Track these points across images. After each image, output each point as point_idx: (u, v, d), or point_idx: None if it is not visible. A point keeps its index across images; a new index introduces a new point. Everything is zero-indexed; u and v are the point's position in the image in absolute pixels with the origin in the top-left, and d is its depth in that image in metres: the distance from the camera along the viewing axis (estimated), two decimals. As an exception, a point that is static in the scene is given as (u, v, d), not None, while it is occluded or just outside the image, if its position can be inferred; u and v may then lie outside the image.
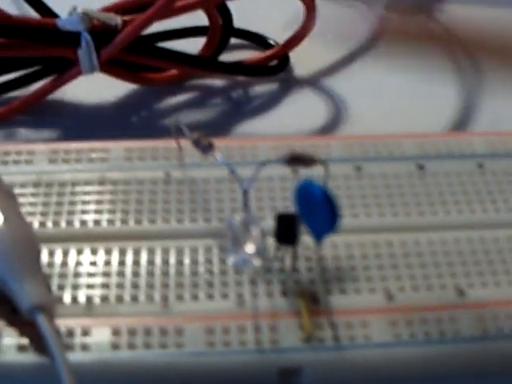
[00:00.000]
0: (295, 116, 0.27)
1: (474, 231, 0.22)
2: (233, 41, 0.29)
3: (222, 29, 0.27)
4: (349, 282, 0.20)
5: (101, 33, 0.25)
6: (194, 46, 0.28)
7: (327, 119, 0.27)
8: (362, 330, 0.19)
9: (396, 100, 0.28)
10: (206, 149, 0.21)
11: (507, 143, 0.24)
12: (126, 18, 0.25)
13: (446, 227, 0.22)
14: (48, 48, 0.25)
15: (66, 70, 0.26)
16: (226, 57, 0.28)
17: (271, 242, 0.20)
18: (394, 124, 0.27)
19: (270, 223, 0.20)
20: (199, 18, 0.27)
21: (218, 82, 0.28)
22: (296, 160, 0.20)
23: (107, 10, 0.26)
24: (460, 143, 0.24)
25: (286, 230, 0.19)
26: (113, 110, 0.27)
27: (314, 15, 0.27)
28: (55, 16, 0.26)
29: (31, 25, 0.25)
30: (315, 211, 0.18)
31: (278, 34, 0.29)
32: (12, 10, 0.28)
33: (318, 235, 0.19)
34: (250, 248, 0.18)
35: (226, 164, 0.21)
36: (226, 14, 0.27)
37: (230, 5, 0.27)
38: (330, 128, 0.27)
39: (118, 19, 0.25)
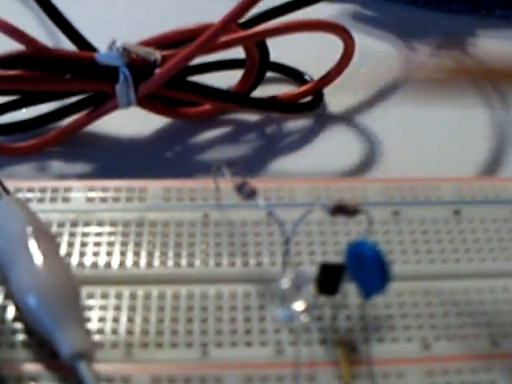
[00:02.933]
0: (329, 154, 0.27)
1: (509, 280, 0.22)
2: (268, 74, 0.29)
3: (259, 65, 0.27)
4: (386, 331, 0.20)
5: (139, 68, 0.25)
6: (228, 79, 0.28)
7: (361, 157, 0.27)
8: (398, 380, 0.19)
9: (429, 139, 0.28)
10: (249, 195, 0.21)
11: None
12: (165, 52, 0.25)
13: (480, 275, 0.22)
14: (85, 82, 0.25)
15: (102, 103, 0.26)
16: (260, 90, 0.28)
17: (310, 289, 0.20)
18: (427, 164, 0.27)
19: (307, 269, 0.21)
20: (234, 51, 0.27)
21: (252, 117, 0.28)
22: (340, 210, 0.20)
23: (146, 43, 0.26)
24: (495, 188, 0.24)
25: (329, 281, 0.20)
26: (147, 144, 0.27)
27: (351, 53, 0.27)
28: (92, 49, 0.26)
29: (69, 58, 0.25)
30: (366, 271, 0.18)
31: (311, 69, 0.29)
32: (48, 41, 0.28)
33: (367, 294, 0.19)
34: (299, 305, 0.18)
35: (269, 210, 0.21)
36: (264, 50, 0.27)
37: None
38: (363, 166, 0.27)
39: (157, 54, 0.25)
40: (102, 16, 0.32)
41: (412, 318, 0.21)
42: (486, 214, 0.23)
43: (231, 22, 0.24)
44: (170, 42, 0.26)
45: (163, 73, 0.25)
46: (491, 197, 0.24)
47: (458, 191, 0.24)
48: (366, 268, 0.18)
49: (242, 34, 0.26)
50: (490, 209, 0.23)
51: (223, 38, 0.25)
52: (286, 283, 0.18)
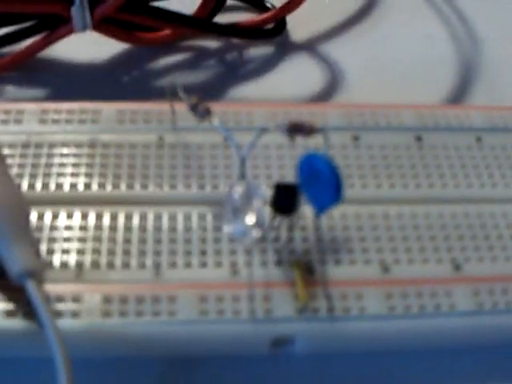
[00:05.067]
0: (290, 81, 0.26)
1: (471, 205, 0.21)
2: (229, 2, 0.28)
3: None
4: (344, 253, 0.20)
5: (95, -10, 0.24)
6: (189, 5, 0.27)
7: (323, 85, 0.27)
8: (356, 302, 0.19)
9: (393, 67, 0.27)
10: (204, 114, 0.20)
11: (506, 118, 0.24)
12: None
13: (443, 200, 0.22)
14: (40, 4, 0.24)
15: (58, 27, 0.25)
16: (222, 18, 0.27)
17: (267, 210, 0.19)
18: (391, 91, 0.26)
19: (264, 191, 0.20)
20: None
21: (212, 43, 0.27)
22: (296, 129, 0.19)
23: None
24: (459, 116, 0.24)
25: (284, 200, 0.19)
26: (104, 69, 0.27)
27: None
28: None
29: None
30: (319, 184, 0.18)
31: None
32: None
33: (320, 208, 0.19)
34: (250, 219, 0.18)
35: (224, 131, 0.20)
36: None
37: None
38: (325, 94, 0.26)
39: (112, -24, 0.24)
40: None
41: (371, 240, 0.20)
42: (449, 140, 0.23)
43: None
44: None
45: (119, -5, 0.24)
46: (454, 124, 0.23)
47: (420, 118, 0.23)
48: (318, 180, 0.18)
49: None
50: (452, 136, 0.23)
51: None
52: (236, 194, 0.18)
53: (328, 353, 0.19)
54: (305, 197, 0.19)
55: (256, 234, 0.18)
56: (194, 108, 0.20)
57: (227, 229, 0.18)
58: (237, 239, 0.19)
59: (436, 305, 0.19)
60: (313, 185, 0.18)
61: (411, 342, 0.19)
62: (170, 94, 0.22)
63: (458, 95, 0.27)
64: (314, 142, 0.21)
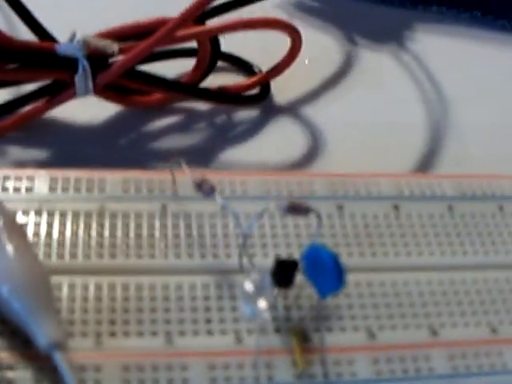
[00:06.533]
0: (275, 144, 0.29)
1: (443, 273, 0.24)
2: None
3: (210, 56, 0.28)
4: (335, 320, 0.22)
5: (98, 59, 0.26)
6: (179, 67, 0.29)
7: (305, 149, 0.29)
8: (348, 367, 0.21)
9: (368, 130, 0.30)
10: (209, 193, 0.22)
11: (474, 185, 0.26)
12: (122, 45, 0.26)
13: (418, 268, 0.24)
14: (46, 72, 0.26)
15: (60, 92, 0.27)
16: (210, 79, 0.29)
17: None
18: (367, 155, 0.29)
19: (259, 261, 0.22)
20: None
21: (201, 106, 0.29)
22: (294, 209, 0.21)
23: (105, 35, 0.26)
24: (431, 184, 0.26)
25: (285, 275, 0.21)
26: (100, 130, 0.28)
27: (298, 50, 0.28)
28: (53, 40, 0.27)
29: (31, 49, 0.26)
30: (323, 275, 0.20)
31: (256, 58, 0.30)
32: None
33: (323, 294, 0.21)
34: (262, 304, 0.20)
35: (229, 209, 0.22)
36: (216, 42, 0.28)
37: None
38: (307, 157, 0.28)
39: (114, 47, 0.26)
40: (61, 7, 0.32)
41: (357, 308, 0.23)
42: (423, 209, 0.25)
43: (189, 17, 0.26)
44: (126, 34, 0.27)
45: (121, 65, 0.26)
46: (428, 193, 0.26)
47: (397, 186, 0.26)
48: (323, 272, 0.20)
49: (197, 29, 0.27)
50: (426, 204, 0.25)
51: (179, 33, 0.26)
52: (248, 286, 0.20)
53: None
54: (308, 282, 0.21)
55: (266, 316, 0.20)
56: (199, 186, 0.22)
57: (243, 310, 0.20)
58: (251, 320, 0.21)
59: (417, 368, 0.22)
60: (317, 273, 0.20)
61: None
62: (172, 165, 0.24)
63: (428, 157, 0.29)
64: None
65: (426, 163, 0.29)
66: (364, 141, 0.29)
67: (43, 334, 0.20)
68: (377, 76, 0.32)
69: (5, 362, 0.20)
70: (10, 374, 0.20)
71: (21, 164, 0.27)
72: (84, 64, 0.26)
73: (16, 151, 0.27)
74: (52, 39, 0.27)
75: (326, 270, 0.20)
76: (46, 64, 0.26)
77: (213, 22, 0.27)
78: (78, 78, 0.26)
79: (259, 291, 0.20)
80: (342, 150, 0.29)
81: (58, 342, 0.20)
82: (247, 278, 0.20)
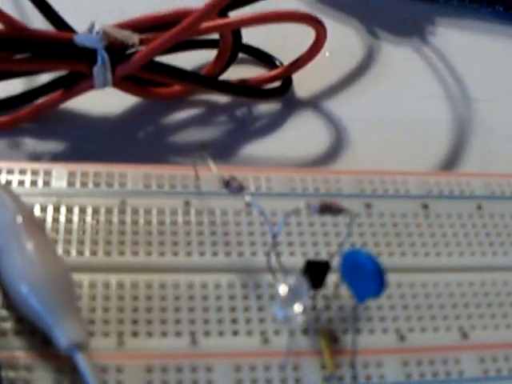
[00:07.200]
0: (296, 139, 0.28)
1: (473, 274, 0.23)
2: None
3: (231, 48, 0.27)
4: (364, 322, 0.22)
5: (117, 50, 0.25)
6: (199, 58, 0.28)
7: (328, 143, 0.28)
8: (377, 370, 0.21)
9: (392, 125, 0.29)
10: (236, 191, 0.21)
11: (503, 185, 0.25)
12: (143, 36, 0.26)
13: (449, 269, 0.23)
14: (63, 63, 0.25)
15: (78, 83, 0.26)
16: (230, 71, 0.29)
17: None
18: (390, 151, 0.28)
19: (286, 259, 0.22)
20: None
21: (222, 98, 0.29)
22: (326, 209, 0.20)
23: (124, 26, 0.26)
24: (459, 183, 0.25)
25: (315, 276, 0.21)
26: (118, 122, 0.28)
27: (322, 43, 0.27)
28: (71, 30, 0.26)
29: (48, 39, 0.25)
30: (363, 279, 0.19)
31: (277, 50, 0.30)
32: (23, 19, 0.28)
33: (362, 298, 0.20)
34: (298, 308, 0.19)
35: (257, 208, 0.21)
36: (237, 35, 0.27)
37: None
38: (330, 152, 0.28)
39: (135, 38, 0.25)
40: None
41: (387, 309, 0.22)
42: (452, 208, 0.25)
43: (213, 9, 0.25)
44: (147, 25, 0.26)
45: (141, 56, 0.25)
46: (456, 191, 0.25)
47: (425, 185, 0.25)
48: (362, 277, 0.19)
49: (220, 22, 0.26)
50: (455, 204, 0.25)
51: (205, 25, 0.25)
52: (283, 289, 0.19)
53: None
54: (346, 286, 0.20)
55: (301, 319, 0.19)
56: (226, 184, 0.22)
57: (278, 314, 0.19)
58: (284, 323, 0.20)
59: (447, 371, 0.21)
60: (356, 277, 0.20)
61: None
62: (195, 159, 0.23)
63: (454, 154, 0.28)
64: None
65: (451, 161, 0.28)
66: (387, 136, 0.29)
67: (64, 333, 0.19)
68: (398, 70, 0.31)
69: (23, 362, 0.19)
70: (27, 375, 0.19)
71: (36, 156, 0.26)
72: (103, 55, 0.25)
73: (31, 143, 0.26)
74: (69, 29, 0.26)
75: (367, 275, 0.19)
76: (64, 55, 0.25)
77: (236, 15, 0.27)
78: (97, 70, 0.25)
79: (294, 295, 0.19)
80: (366, 145, 0.28)
81: (79, 342, 0.19)
82: (282, 281, 0.19)
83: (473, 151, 0.29)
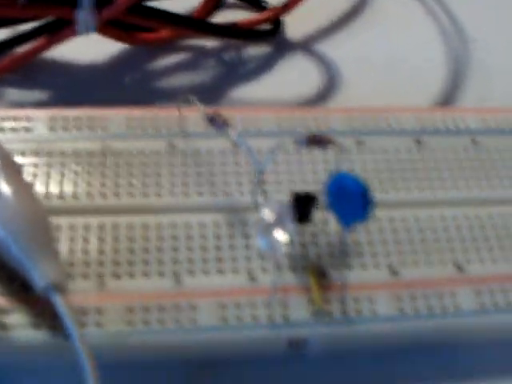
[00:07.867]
0: (288, 81, 0.27)
1: (469, 208, 0.22)
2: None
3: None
4: (354, 257, 0.21)
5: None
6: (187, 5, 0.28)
7: (320, 85, 0.27)
8: (369, 305, 0.20)
9: (385, 67, 0.28)
10: (222, 127, 0.21)
11: (498, 119, 0.25)
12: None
13: (444, 203, 0.22)
14: (44, 8, 0.25)
15: (60, 30, 0.25)
16: (218, 16, 0.28)
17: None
18: (384, 91, 0.27)
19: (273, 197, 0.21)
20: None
21: (210, 43, 0.28)
22: (314, 141, 0.20)
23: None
24: (454, 118, 0.24)
25: (302, 210, 0.20)
26: (104, 69, 0.27)
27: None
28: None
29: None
30: (349, 203, 0.19)
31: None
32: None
33: (347, 224, 0.19)
34: (281, 236, 0.18)
35: (243, 144, 0.21)
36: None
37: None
38: (322, 94, 0.27)
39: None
40: None
41: (379, 244, 0.21)
42: (446, 143, 0.24)
43: None
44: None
45: (126, -1, 0.24)
46: (451, 126, 0.24)
47: (419, 121, 0.24)
48: (349, 199, 0.19)
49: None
50: (450, 139, 0.24)
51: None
52: (267, 215, 0.18)
53: (341, 354, 0.20)
54: (332, 212, 0.20)
55: (286, 249, 0.18)
56: (211, 120, 0.21)
57: (258, 243, 0.19)
58: (267, 254, 0.20)
59: (442, 306, 0.20)
60: (342, 202, 0.19)
61: (420, 342, 0.20)
62: (182, 102, 0.22)
63: (450, 93, 0.28)
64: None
65: (447, 100, 0.27)
66: (382, 77, 0.28)
67: (41, 274, 0.19)
68: (392, 11, 0.30)
69: (1, 307, 0.19)
70: (6, 319, 0.19)
71: (19, 105, 0.25)
72: (87, -2, 0.24)
73: (14, 93, 0.26)
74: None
75: (352, 196, 0.18)
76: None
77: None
78: (80, 14, 0.25)
79: (277, 222, 0.18)
80: (359, 86, 0.27)
81: (57, 283, 0.19)
82: (265, 207, 0.18)
83: (470, 90, 0.28)
